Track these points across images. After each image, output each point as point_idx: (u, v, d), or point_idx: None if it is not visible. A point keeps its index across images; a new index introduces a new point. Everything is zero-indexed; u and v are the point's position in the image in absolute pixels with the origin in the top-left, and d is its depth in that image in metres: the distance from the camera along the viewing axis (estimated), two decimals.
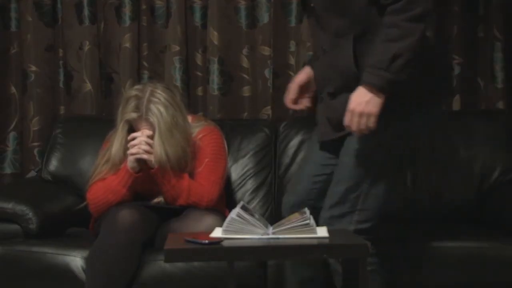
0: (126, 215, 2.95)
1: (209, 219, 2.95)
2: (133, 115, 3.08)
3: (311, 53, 3.86)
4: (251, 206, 3.26)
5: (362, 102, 2.53)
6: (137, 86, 3.15)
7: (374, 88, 2.52)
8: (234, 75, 3.95)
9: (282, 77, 3.90)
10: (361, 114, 2.53)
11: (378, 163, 2.66)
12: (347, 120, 2.57)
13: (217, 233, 2.51)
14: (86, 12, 3.91)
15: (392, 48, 2.49)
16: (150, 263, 2.99)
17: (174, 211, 3.11)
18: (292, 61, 3.92)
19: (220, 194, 3.18)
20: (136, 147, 3.06)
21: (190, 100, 3.97)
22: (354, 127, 2.56)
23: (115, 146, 3.13)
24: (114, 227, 2.93)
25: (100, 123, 3.73)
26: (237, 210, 2.48)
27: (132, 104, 3.09)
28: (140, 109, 3.07)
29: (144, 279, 2.98)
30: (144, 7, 3.93)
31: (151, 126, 3.08)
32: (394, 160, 2.70)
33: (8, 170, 3.97)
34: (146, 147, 3.06)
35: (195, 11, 3.96)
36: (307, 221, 2.45)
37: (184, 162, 3.11)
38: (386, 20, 2.54)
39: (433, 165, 3.55)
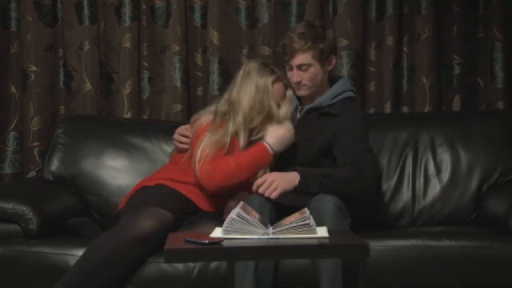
0: (145, 226, 2.94)
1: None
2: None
3: None
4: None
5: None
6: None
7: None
8: (234, 75, 3.94)
9: None
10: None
11: None
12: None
13: (217, 233, 2.51)
14: (86, 12, 3.91)
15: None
16: (152, 263, 3.00)
17: (187, 217, 3.12)
18: None
19: None
20: None
21: (190, 100, 3.97)
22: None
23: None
24: (128, 231, 2.93)
25: (102, 123, 3.74)
26: (237, 210, 2.48)
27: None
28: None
29: (145, 279, 2.98)
30: (144, 7, 3.93)
31: None
32: None
33: (8, 170, 3.96)
34: None
35: (195, 11, 3.96)
36: (307, 221, 2.45)
37: None
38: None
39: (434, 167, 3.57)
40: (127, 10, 3.90)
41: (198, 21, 3.96)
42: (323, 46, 3.21)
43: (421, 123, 3.65)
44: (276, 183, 3.03)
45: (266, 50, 3.93)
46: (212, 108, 3.32)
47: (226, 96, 3.30)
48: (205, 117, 3.28)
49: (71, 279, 2.87)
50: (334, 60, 3.28)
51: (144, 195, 3.17)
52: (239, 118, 3.19)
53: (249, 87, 3.22)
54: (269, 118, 3.20)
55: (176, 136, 3.37)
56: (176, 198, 3.16)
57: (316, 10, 3.89)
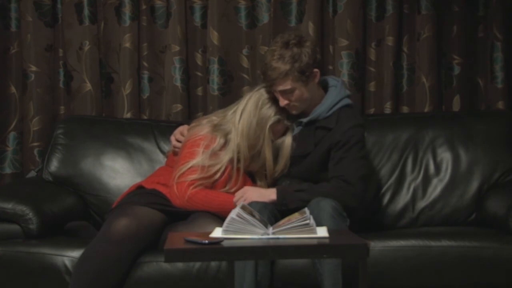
0: (120, 227, 2.94)
1: (215, 225, 2.93)
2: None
3: None
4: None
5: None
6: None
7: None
8: (234, 75, 3.95)
9: None
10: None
11: None
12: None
13: (217, 233, 2.51)
14: (86, 12, 3.91)
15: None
16: (151, 262, 3.00)
17: (181, 214, 3.12)
18: None
19: None
20: None
21: (190, 100, 3.97)
22: None
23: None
24: (107, 236, 2.93)
25: (102, 124, 3.73)
26: (237, 210, 2.48)
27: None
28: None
29: (144, 278, 2.98)
30: (144, 7, 3.93)
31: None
32: None
33: (8, 170, 3.96)
34: None
35: (195, 11, 3.96)
36: (307, 221, 2.45)
37: None
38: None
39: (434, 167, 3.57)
40: (127, 10, 3.90)
41: (198, 21, 3.96)
42: (301, 66, 3.13)
43: (421, 123, 3.65)
44: (246, 195, 3.09)
45: (266, 50, 3.93)
46: (213, 119, 3.28)
47: (230, 113, 3.27)
48: (202, 128, 3.25)
49: None
50: (318, 73, 3.20)
51: (132, 196, 3.17)
52: (236, 147, 3.19)
53: (252, 117, 3.19)
54: (261, 160, 3.21)
55: (172, 138, 3.38)
56: (166, 201, 3.15)
57: (316, 10, 3.89)
